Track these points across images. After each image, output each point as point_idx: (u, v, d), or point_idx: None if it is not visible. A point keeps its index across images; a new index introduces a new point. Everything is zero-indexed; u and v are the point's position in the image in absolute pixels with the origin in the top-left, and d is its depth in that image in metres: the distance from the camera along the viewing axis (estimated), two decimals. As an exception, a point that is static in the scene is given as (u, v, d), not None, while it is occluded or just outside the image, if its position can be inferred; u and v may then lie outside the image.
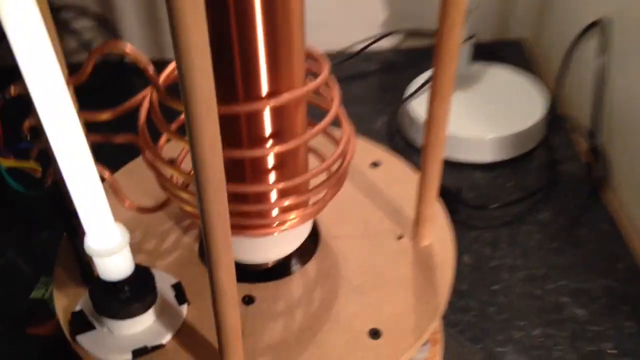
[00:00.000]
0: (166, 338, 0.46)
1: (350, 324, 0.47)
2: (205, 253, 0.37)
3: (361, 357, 0.45)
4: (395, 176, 0.60)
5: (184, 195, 0.45)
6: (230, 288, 0.38)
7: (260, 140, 0.43)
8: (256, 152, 0.44)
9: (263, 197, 0.46)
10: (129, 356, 0.45)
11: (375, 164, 0.61)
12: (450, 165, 0.83)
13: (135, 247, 0.53)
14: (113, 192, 0.51)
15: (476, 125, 0.83)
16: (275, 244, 0.50)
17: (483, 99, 0.88)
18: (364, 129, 0.89)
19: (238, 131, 0.43)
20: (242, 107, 0.41)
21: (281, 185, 0.45)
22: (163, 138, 0.49)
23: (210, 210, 0.34)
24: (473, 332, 0.64)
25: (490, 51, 1.01)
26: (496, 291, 0.67)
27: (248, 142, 0.43)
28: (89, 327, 0.46)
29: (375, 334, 0.47)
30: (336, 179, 0.48)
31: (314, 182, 0.47)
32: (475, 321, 0.65)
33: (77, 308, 0.47)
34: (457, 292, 0.67)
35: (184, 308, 0.48)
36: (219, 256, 0.36)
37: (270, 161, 0.45)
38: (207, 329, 0.47)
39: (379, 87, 0.98)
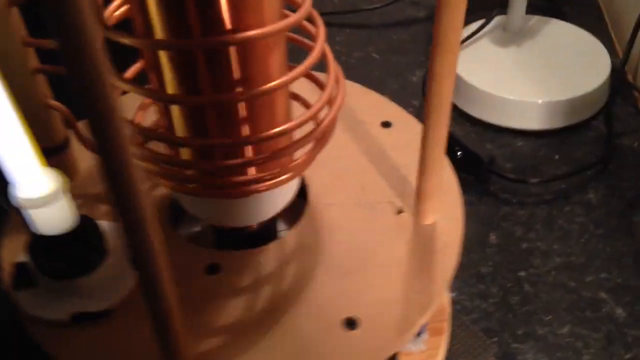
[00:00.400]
0: (112, 304, 0.40)
1: (325, 309, 0.40)
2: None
3: (332, 348, 0.39)
4: (407, 140, 0.51)
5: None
6: (155, 236, 0.32)
7: (225, 86, 0.36)
8: (219, 97, 0.36)
9: (233, 152, 0.39)
10: (67, 320, 0.39)
11: (386, 124, 0.53)
12: (489, 129, 0.73)
13: (101, 198, 0.48)
14: (76, 135, 0.45)
15: (526, 86, 0.73)
16: (249, 207, 0.43)
17: (538, 57, 0.77)
18: (400, 79, 0.80)
19: (195, 73, 0.36)
20: (195, 43, 0.34)
21: (252, 138, 0.38)
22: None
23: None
24: (489, 323, 0.56)
25: (551, 3, 0.89)
26: (522, 278, 0.59)
27: (210, 87, 0.36)
28: (34, 282, 0.41)
29: (351, 323, 0.40)
30: (320, 132, 0.40)
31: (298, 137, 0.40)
32: (494, 310, 0.56)
33: (21, 259, 0.42)
34: (477, 275, 0.59)
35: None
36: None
37: (241, 111, 0.38)
38: (159, 299, 0.41)
39: (424, 37, 0.88)
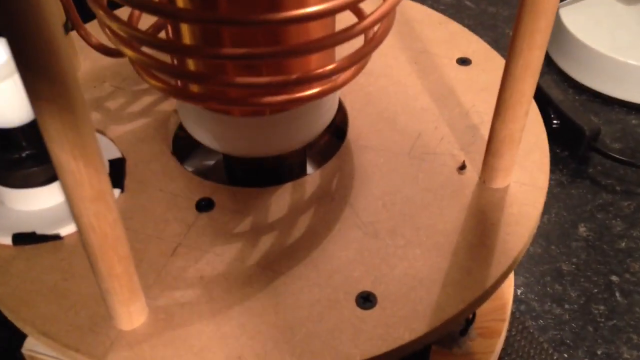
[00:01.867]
0: (66, 229, 0.32)
1: (337, 277, 0.30)
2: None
3: (335, 326, 0.28)
4: (487, 81, 0.40)
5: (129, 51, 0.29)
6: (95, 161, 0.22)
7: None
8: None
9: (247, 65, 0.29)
10: (8, 240, 0.31)
11: (463, 61, 0.41)
12: (597, 99, 0.60)
13: (92, 103, 0.39)
14: (77, 31, 0.36)
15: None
16: (262, 132, 0.33)
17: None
18: (493, 32, 0.68)
19: None
20: None
21: (270, 49, 0.28)
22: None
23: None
24: (560, 334, 0.43)
25: None
26: (614, 284, 0.46)
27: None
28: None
29: (367, 299, 0.29)
30: (360, 54, 0.29)
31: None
32: (569, 319, 0.44)
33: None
34: (555, 272, 0.47)
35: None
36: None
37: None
38: (138, 231, 0.32)
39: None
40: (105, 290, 0.26)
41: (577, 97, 0.60)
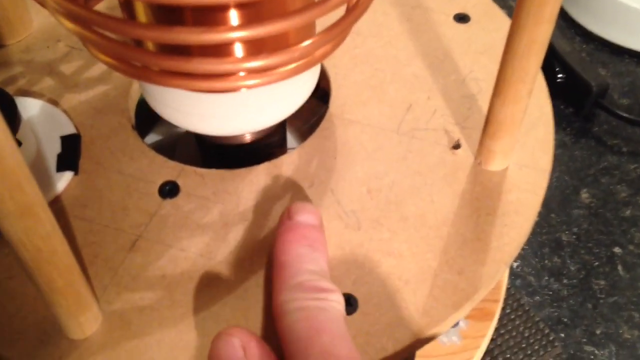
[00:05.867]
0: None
1: (314, 276, 0.27)
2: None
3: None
4: (489, 42, 0.36)
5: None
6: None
7: None
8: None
9: (216, 25, 0.25)
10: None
11: (461, 18, 0.37)
12: (605, 49, 0.55)
13: (44, 66, 0.35)
14: None
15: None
16: (234, 108, 0.29)
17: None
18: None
19: None
20: None
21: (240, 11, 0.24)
22: None
23: None
24: (557, 312, 0.41)
25: None
26: (617, 257, 0.43)
27: None
28: None
29: (346, 303, 0.26)
30: (342, 26, 0.25)
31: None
32: (567, 295, 0.42)
33: None
34: (554, 242, 0.44)
35: (64, 177, 0.30)
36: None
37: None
38: (94, 220, 0.29)
39: None
40: (50, 304, 0.23)
41: (584, 46, 0.56)
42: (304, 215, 0.26)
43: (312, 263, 0.25)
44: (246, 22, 0.24)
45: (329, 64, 0.35)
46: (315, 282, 0.24)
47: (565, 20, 0.58)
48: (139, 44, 0.26)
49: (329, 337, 0.22)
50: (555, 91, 0.50)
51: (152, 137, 0.36)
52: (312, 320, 0.22)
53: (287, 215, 0.26)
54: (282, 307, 0.23)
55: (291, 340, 0.22)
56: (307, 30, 0.28)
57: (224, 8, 0.23)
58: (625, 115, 0.49)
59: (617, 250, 0.44)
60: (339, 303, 0.24)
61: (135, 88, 0.34)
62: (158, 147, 0.32)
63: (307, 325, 0.22)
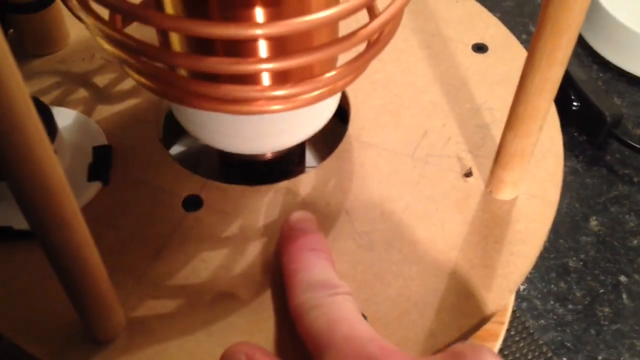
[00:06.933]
0: (45, 226, 0.30)
1: (326, 293, 0.28)
2: None
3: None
4: (502, 73, 0.37)
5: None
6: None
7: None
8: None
9: (243, 56, 0.27)
10: (-18, 235, 0.30)
11: (480, 48, 0.38)
12: (622, 79, 0.56)
13: (80, 78, 0.36)
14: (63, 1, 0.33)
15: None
16: (257, 129, 0.31)
17: None
18: (529, 7, 0.63)
19: None
20: None
21: (267, 30, 0.25)
22: None
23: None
24: (561, 336, 0.42)
25: None
26: (622, 285, 0.44)
27: None
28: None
29: (357, 322, 0.27)
30: (363, 60, 0.26)
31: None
32: (572, 320, 0.43)
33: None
34: (561, 268, 0.45)
35: (93, 187, 0.31)
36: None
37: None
38: (121, 228, 0.30)
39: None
40: (79, 309, 0.25)
41: (601, 75, 0.57)
42: (303, 224, 0.29)
43: (318, 265, 0.27)
44: (274, 53, 0.26)
45: (349, 87, 0.36)
46: (324, 281, 0.26)
47: (583, 48, 0.59)
48: (172, 68, 0.28)
49: (348, 324, 0.24)
50: (570, 118, 0.51)
51: (176, 149, 0.37)
52: (329, 314, 0.25)
53: (287, 227, 0.29)
54: (299, 309, 0.25)
55: (314, 336, 0.24)
56: (330, 62, 0.29)
57: (253, 40, 0.25)
58: (637, 145, 0.50)
59: (622, 278, 0.45)
60: (349, 294, 0.26)
61: (165, 101, 0.36)
62: (182, 159, 0.33)
63: (326, 319, 0.24)
